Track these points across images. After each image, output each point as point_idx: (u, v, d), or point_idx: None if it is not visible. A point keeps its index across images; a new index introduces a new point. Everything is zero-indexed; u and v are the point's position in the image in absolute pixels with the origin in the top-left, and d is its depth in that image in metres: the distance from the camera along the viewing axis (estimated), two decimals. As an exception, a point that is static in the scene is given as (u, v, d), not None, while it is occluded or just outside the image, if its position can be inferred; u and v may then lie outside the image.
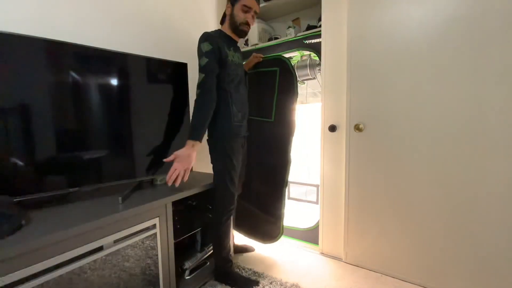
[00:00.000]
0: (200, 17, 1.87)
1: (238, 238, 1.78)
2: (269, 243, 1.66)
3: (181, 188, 1.19)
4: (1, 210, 0.76)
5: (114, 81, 1.10)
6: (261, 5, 1.74)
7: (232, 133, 1.27)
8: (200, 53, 1.17)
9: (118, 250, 0.93)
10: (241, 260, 1.63)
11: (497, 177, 1.12)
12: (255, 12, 1.29)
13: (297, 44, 1.77)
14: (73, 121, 0.99)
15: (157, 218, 1.07)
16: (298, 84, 1.58)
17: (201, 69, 1.17)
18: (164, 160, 1.13)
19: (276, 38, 1.89)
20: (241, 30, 1.28)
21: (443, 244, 1.26)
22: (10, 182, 0.86)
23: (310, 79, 1.93)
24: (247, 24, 1.28)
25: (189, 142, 1.12)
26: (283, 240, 1.86)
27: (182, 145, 1.14)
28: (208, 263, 1.46)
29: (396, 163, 1.36)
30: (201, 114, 1.15)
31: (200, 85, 1.16)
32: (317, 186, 2.54)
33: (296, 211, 2.43)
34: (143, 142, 1.21)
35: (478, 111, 1.15)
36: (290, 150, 1.56)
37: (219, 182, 1.29)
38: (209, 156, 1.31)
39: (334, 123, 1.59)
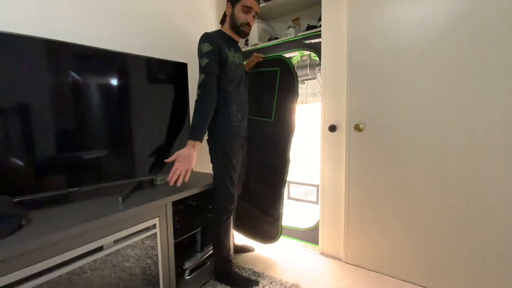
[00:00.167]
0: (200, 17, 1.87)
1: (238, 238, 1.78)
2: (269, 243, 1.66)
3: (181, 188, 1.19)
4: (1, 210, 0.76)
5: (114, 81, 1.10)
6: (261, 5, 1.75)
7: (232, 133, 1.27)
8: (201, 54, 1.18)
9: (118, 250, 0.93)
10: (241, 260, 1.63)
11: (497, 177, 1.12)
12: (256, 13, 1.29)
13: (297, 44, 1.77)
14: (73, 121, 0.99)
15: (157, 218, 1.07)
16: (299, 84, 1.58)
17: (202, 69, 1.17)
18: (166, 160, 1.13)
19: (276, 38, 1.89)
20: (241, 31, 1.28)
21: (443, 244, 1.26)
22: (10, 182, 0.86)
23: (310, 79, 1.93)
24: (248, 25, 1.28)
25: (190, 142, 1.13)
26: (283, 240, 1.86)
27: (182, 145, 1.14)
28: (208, 263, 1.47)
29: (396, 163, 1.36)
30: (202, 115, 1.15)
31: (200, 86, 1.16)
32: (317, 186, 2.54)
33: (296, 211, 2.43)
34: (143, 142, 1.21)
35: (478, 110, 1.15)
36: (290, 150, 1.56)
37: (218, 182, 1.29)
38: (209, 156, 1.32)
39: (334, 123, 1.59)
